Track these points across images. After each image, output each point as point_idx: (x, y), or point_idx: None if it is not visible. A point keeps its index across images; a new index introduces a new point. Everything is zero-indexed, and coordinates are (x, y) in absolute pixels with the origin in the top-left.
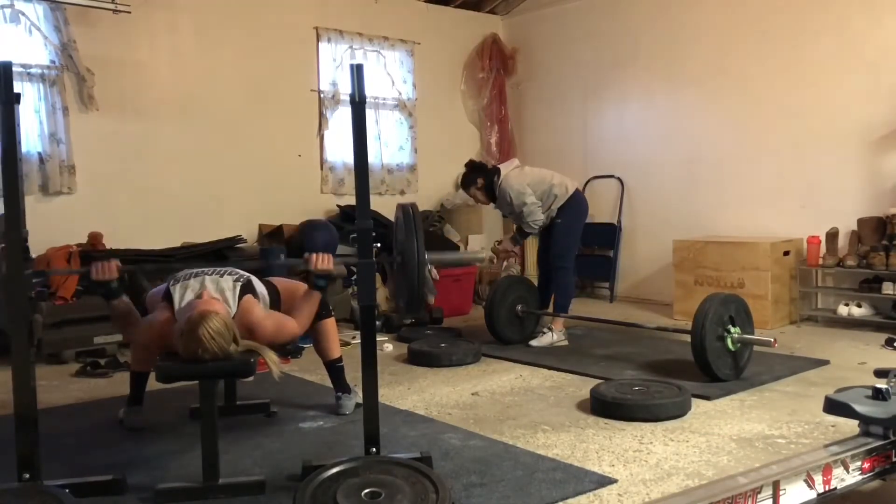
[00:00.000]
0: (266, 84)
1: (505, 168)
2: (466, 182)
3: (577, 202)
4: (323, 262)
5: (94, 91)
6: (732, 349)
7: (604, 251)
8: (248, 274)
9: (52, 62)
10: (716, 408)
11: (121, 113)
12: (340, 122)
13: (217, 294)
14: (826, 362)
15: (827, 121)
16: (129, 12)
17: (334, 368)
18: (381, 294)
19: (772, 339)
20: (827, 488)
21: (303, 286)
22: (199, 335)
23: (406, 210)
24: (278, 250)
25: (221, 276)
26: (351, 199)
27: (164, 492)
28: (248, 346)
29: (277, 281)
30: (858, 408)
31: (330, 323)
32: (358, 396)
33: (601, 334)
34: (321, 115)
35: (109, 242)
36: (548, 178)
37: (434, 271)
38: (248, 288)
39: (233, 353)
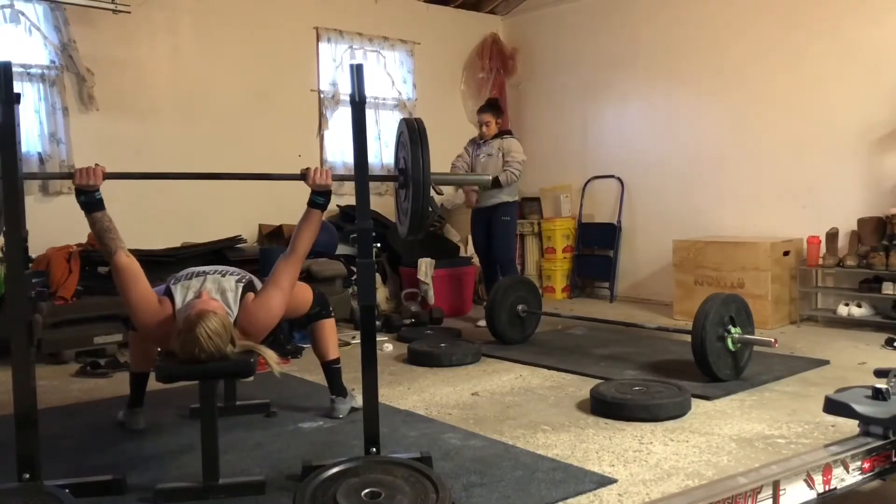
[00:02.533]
0: (266, 84)
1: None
2: (492, 107)
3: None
4: (322, 176)
5: (94, 91)
6: (732, 349)
7: (604, 251)
8: (249, 274)
9: (52, 62)
10: (716, 408)
11: (121, 113)
12: (340, 122)
13: (218, 294)
14: (826, 362)
15: (827, 121)
16: (129, 12)
17: (331, 370)
18: (381, 294)
19: (772, 340)
20: (827, 488)
21: (303, 285)
22: (196, 335)
23: (411, 124)
24: (278, 250)
25: (223, 275)
26: (351, 199)
27: (164, 492)
28: (246, 347)
29: None
30: (858, 408)
31: (329, 323)
32: (355, 401)
33: (601, 334)
34: (321, 115)
35: None
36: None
37: (440, 188)
38: (250, 287)
39: (229, 353)
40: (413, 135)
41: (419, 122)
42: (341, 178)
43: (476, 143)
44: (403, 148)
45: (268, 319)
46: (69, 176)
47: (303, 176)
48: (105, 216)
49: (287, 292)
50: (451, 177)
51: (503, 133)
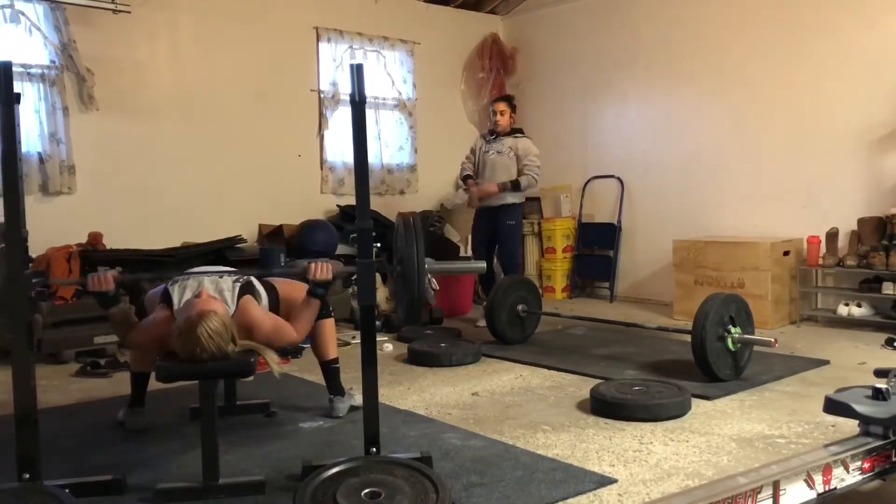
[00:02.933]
0: (266, 84)
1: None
2: (509, 99)
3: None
4: (322, 272)
5: (94, 91)
6: (732, 349)
7: (604, 251)
8: (248, 275)
9: (52, 62)
10: (716, 408)
11: (121, 113)
12: (340, 122)
13: (216, 294)
14: (826, 362)
15: (827, 121)
16: (129, 12)
17: (330, 370)
18: (381, 294)
19: (772, 340)
20: (827, 488)
21: (302, 287)
22: (197, 334)
23: (407, 220)
24: (278, 250)
25: (221, 276)
26: (351, 199)
27: (164, 492)
28: (247, 346)
29: (277, 282)
30: (858, 408)
31: (329, 323)
32: (353, 399)
33: (601, 334)
34: (321, 115)
35: (109, 242)
36: None
37: (434, 281)
38: (247, 288)
39: (230, 352)
40: (408, 233)
41: (415, 217)
42: (341, 274)
43: (486, 138)
44: (401, 240)
45: (269, 331)
46: (83, 283)
47: (304, 270)
48: (119, 311)
49: (276, 340)
50: (448, 266)
51: (515, 131)
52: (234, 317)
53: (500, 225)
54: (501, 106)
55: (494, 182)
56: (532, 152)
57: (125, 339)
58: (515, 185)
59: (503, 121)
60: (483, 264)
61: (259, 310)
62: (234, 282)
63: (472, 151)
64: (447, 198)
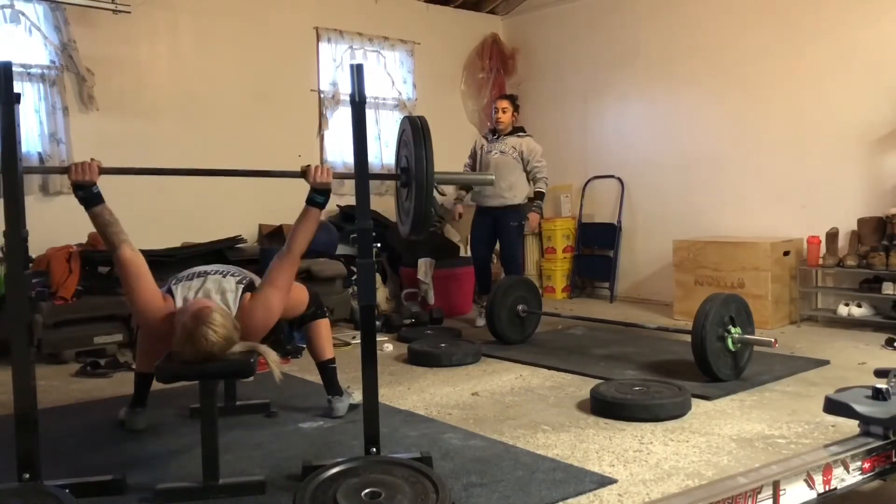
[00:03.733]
0: (266, 84)
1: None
2: (511, 97)
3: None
4: (323, 174)
5: (94, 91)
6: (733, 349)
7: (604, 251)
8: (250, 274)
9: (52, 62)
10: (716, 408)
11: (121, 113)
12: (340, 122)
13: (218, 294)
14: (826, 362)
15: (827, 121)
16: (129, 12)
17: (327, 370)
18: (381, 294)
19: (772, 340)
20: (827, 488)
21: (301, 286)
22: (202, 332)
23: (414, 122)
24: (278, 250)
25: (224, 276)
26: (351, 199)
27: (164, 492)
28: (248, 347)
29: None
30: (858, 408)
31: (324, 323)
32: (352, 398)
33: (601, 334)
34: (321, 115)
35: None
36: None
37: (440, 188)
38: (250, 288)
39: (236, 340)
40: (416, 133)
41: (422, 119)
42: (342, 177)
43: (487, 138)
44: (405, 146)
45: (266, 319)
46: (65, 170)
47: (303, 174)
48: (105, 210)
49: (284, 291)
50: (454, 176)
51: (517, 130)
52: (238, 317)
53: (504, 226)
54: (504, 103)
55: (502, 182)
56: (538, 152)
57: (112, 246)
58: (541, 196)
59: (504, 118)
60: (491, 176)
61: (261, 304)
62: (238, 283)
63: (473, 153)
64: (447, 198)
